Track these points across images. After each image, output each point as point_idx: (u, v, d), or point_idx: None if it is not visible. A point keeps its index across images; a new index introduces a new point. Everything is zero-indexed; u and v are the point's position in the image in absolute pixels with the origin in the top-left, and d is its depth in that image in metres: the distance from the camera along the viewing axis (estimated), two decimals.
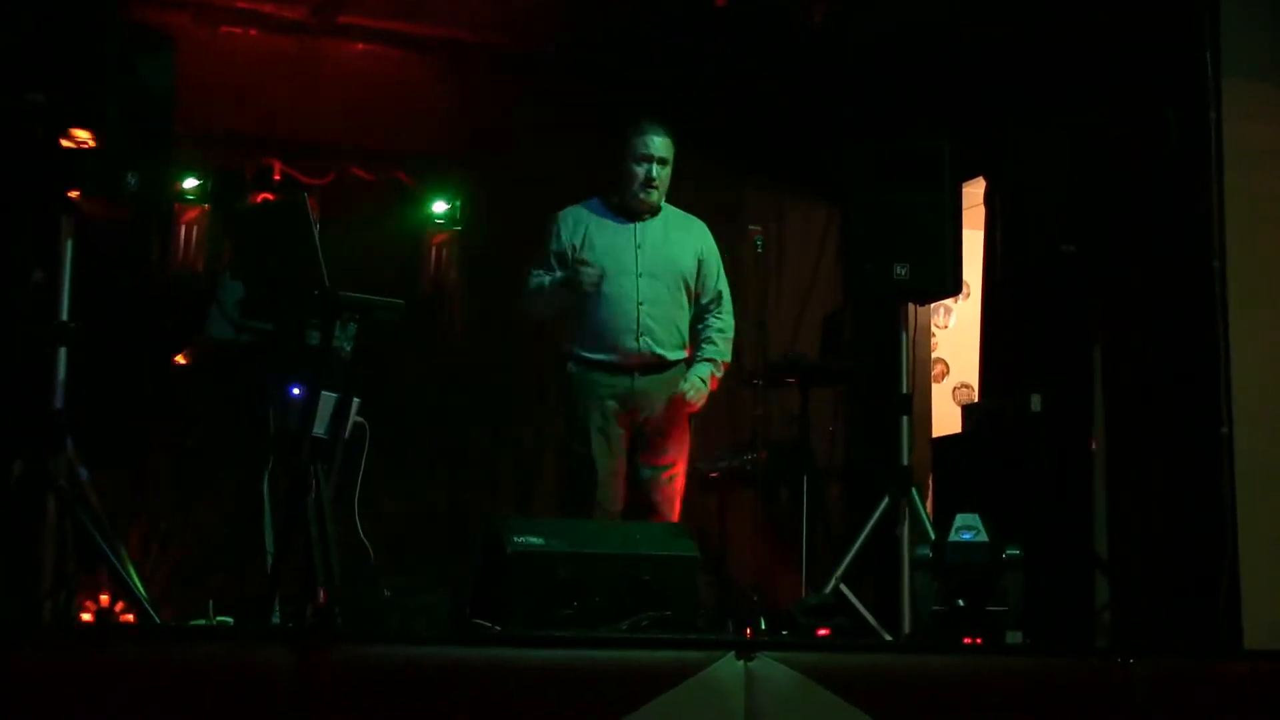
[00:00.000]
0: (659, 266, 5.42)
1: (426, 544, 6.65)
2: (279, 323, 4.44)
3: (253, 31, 6.81)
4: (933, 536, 4.80)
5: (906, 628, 5.01)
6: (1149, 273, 5.39)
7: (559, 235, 5.47)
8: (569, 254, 5.41)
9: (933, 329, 7.81)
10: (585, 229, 5.46)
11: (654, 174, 5.40)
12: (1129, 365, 5.49)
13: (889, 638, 4.97)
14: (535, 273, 5.46)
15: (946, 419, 7.32)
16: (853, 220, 5.59)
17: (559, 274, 5.39)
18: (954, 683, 3.87)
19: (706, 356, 5.50)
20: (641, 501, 5.38)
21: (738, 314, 5.69)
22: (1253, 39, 5.17)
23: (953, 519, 4.50)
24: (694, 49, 6.83)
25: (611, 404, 5.34)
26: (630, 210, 5.48)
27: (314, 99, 6.83)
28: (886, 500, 5.25)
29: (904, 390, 5.43)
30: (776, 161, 7.40)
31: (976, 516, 4.49)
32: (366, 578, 4.51)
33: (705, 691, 3.55)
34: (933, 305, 7.25)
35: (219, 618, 4.71)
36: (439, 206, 7.21)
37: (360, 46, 7.00)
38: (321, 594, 4.06)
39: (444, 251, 7.24)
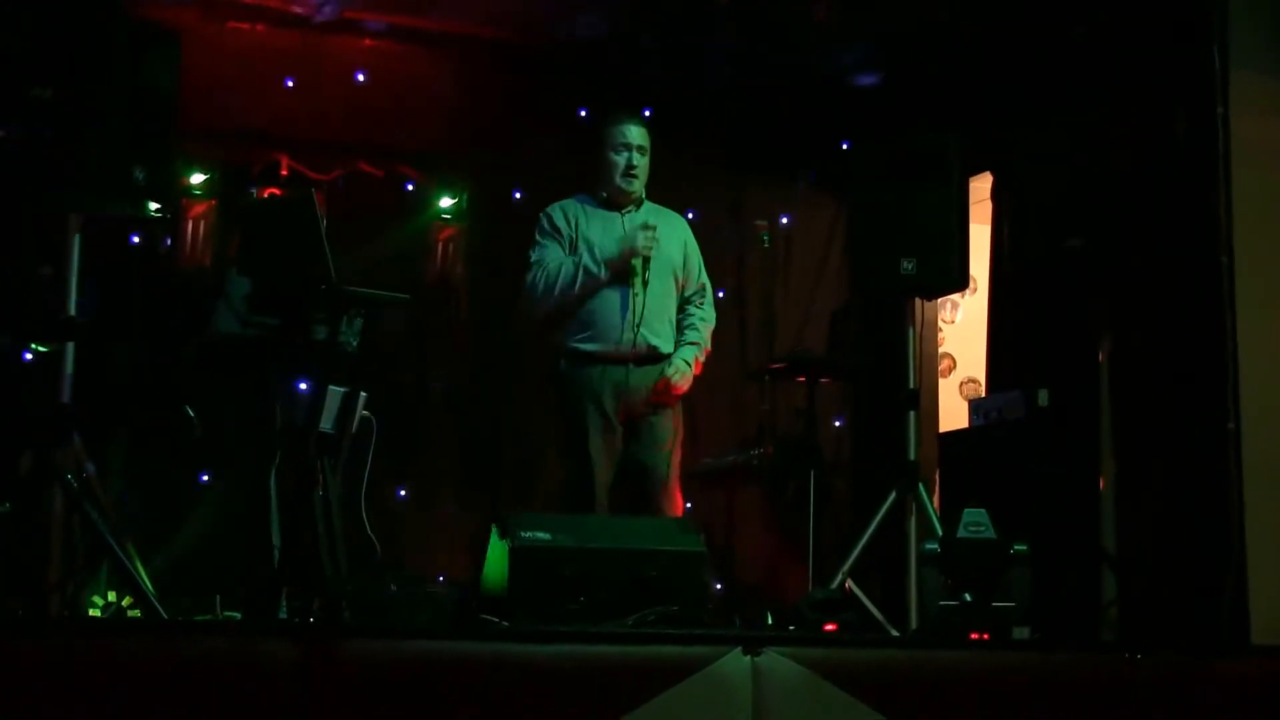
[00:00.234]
0: (650, 259, 5.41)
1: (432, 539, 6.66)
2: (286, 318, 4.45)
3: (260, 27, 6.82)
4: (940, 532, 4.80)
5: (913, 623, 5.01)
6: (1156, 268, 5.37)
7: (556, 225, 5.45)
8: (573, 239, 5.40)
9: (940, 324, 7.80)
10: (577, 220, 5.46)
11: (634, 161, 5.41)
12: (1136, 360, 5.48)
13: (896, 633, 4.96)
14: (541, 263, 5.43)
15: (953, 414, 7.32)
16: (859, 215, 5.57)
17: (584, 257, 5.35)
18: (961, 678, 3.87)
19: (690, 341, 5.50)
20: (642, 491, 5.36)
21: (744, 309, 5.69)
22: (1261, 33, 5.16)
23: (960, 514, 4.49)
24: (700, 46, 6.83)
25: (608, 400, 5.32)
26: (615, 202, 5.49)
27: (321, 95, 6.84)
28: (893, 495, 5.24)
29: (911, 385, 5.42)
30: (782, 157, 7.40)
31: (983, 512, 4.48)
32: (373, 572, 4.52)
33: (712, 687, 3.55)
34: (940, 300, 7.22)
35: (226, 612, 4.72)
36: (445, 202, 7.22)
37: (367, 42, 7.01)
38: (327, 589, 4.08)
39: (450, 247, 7.25)
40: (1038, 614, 4.45)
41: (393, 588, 4.48)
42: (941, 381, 7.74)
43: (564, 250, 5.42)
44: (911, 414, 5.39)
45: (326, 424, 4.27)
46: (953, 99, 6.40)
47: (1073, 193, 5.43)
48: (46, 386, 4.43)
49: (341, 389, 4.37)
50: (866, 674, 3.72)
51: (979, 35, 6.26)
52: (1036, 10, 5.94)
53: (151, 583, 4.44)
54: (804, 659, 3.63)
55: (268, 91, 6.73)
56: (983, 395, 6.99)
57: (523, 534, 4.40)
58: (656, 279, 5.39)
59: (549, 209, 5.52)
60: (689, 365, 5.45)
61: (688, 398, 5.56)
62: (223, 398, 6.10)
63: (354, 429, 4.38)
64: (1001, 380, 6.48)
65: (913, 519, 5.24)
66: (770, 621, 5.18)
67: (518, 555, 4.36)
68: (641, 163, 5.45)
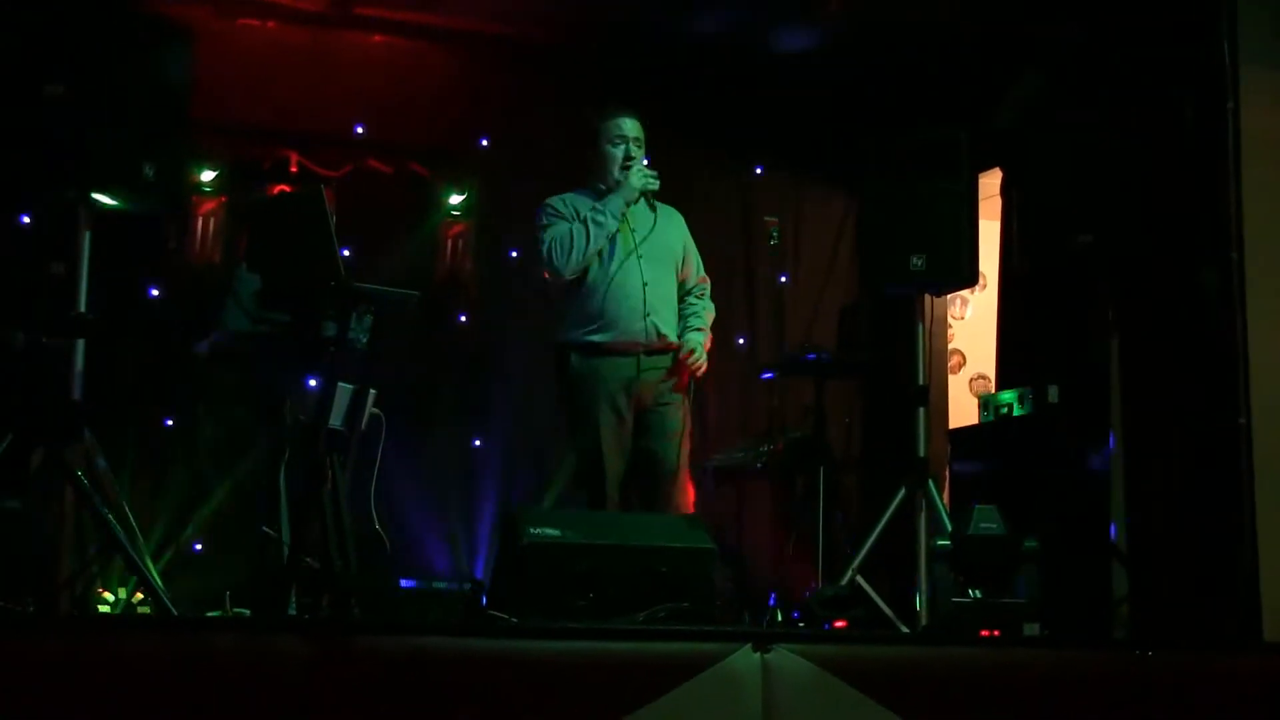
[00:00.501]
0: (655, 248, 5.39)
1: (441, 536, 6.66)
2: (295, 314, 4.44)
3: (270, 24, 6.83)
4: (950, 528, 4.79)
5: (923, 620, 5.00)
6: (1166, 263, 5.36)
7: (558, 210, 5.40)
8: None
9: (949, 320, 7.79)
10: (576, 209, 5.42)
11: (632, 152, 5.40)
12: (1146, 356, 5.47)
13: (906, 630, 4.96)
14: (554, 233, 5.32)
15: (963, 410, 7.31)
16: (869, 211, 5.57)
17: (590, 213, 5.30)
18: (971, 675, 3.86)
19: (695, 327, 5.46)
20: (651, 482, 5.34)
21: (753, 306, 5.68)
22: (1270, 28, 5.14)
23: (970, 511, 4.49)
24: (710, 39, 6.83)
25: (619, 392, 5.29)
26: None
27: (331, 91, 6.85)
28: (903, 492, 5.24)
29: (920, 381, 5.41)
30: (792, 152, 7.40)
31: (994, 508, 4.48)
32: (382, 569, 4.52)
33: (721, 683, 3.54)
34: (949, 296, 7.23)
35: (235, 609, 4.72)
36: (455, 198, 7.21)
37: (377, 38, 7.02)
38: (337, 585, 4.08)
39: (459, 243, 7.24)
40: (1048, 611, 4.45)
41: (402, 584, 4.47)
42: (951, 378, 7.74)
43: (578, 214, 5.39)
44: (921, 410, 5.39)
45: (336, 421, 4.27)
46: (963, 92, 6.40)
47: (1083, 188, 5.42)
48: (57, 383, 4.45)
49: (351, 386, 4.37)
50: (876, 671, 3.72)
51: (990, 29, 6.25)
52: (1043, 7, 5.93)
53: (161, 579, 4.45)
54: (814, 655, 3.63)
55: (278, 88, 6.73)
56: (992, 391, 7.00)
57: (532, 530, 4.40)
58: (660, 268, 5.37)
59: (549, 200, 5.49)
60: (702, 347, 5.42)
61: (697, 393, 5.53)
62: (232, 394, 6.12)
63: (363, 426, 4.38)
64: (1011, 376, 6.47)
65: (922, 515, 5.24)
66: (780, 618, 5.18)
67: (527, 551, 4.36)
68: (637, 154, 5.44)
